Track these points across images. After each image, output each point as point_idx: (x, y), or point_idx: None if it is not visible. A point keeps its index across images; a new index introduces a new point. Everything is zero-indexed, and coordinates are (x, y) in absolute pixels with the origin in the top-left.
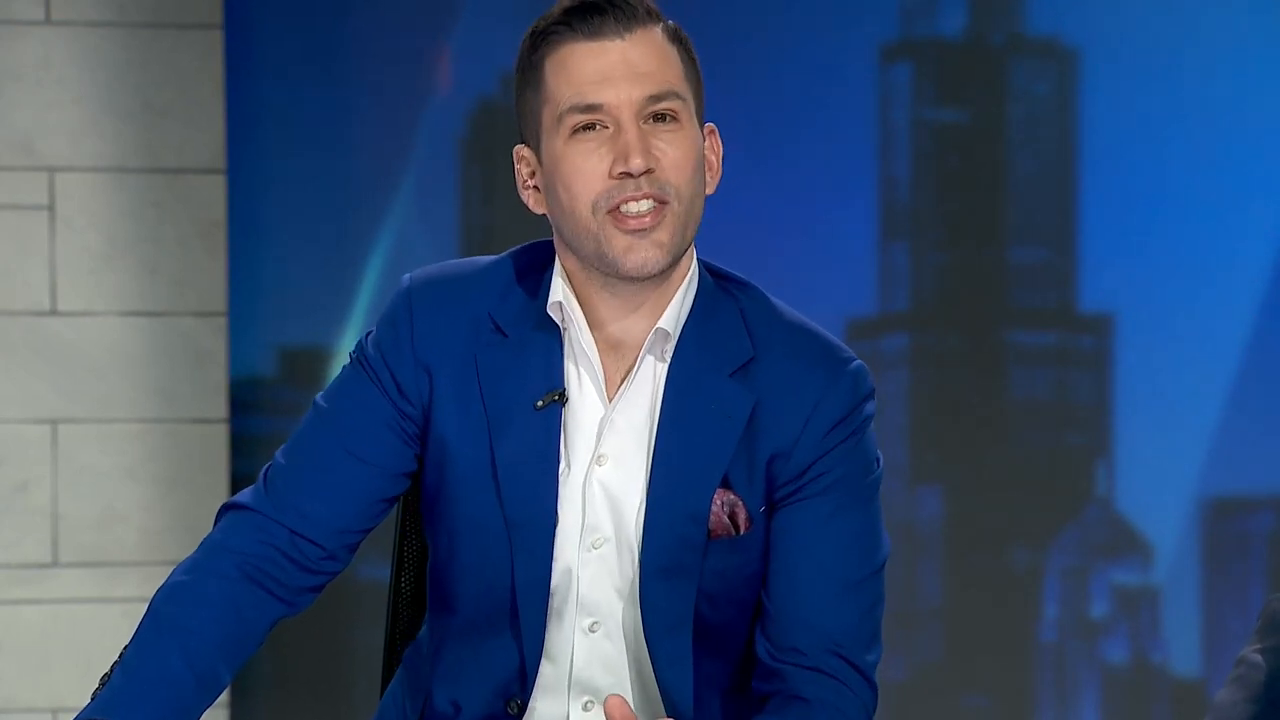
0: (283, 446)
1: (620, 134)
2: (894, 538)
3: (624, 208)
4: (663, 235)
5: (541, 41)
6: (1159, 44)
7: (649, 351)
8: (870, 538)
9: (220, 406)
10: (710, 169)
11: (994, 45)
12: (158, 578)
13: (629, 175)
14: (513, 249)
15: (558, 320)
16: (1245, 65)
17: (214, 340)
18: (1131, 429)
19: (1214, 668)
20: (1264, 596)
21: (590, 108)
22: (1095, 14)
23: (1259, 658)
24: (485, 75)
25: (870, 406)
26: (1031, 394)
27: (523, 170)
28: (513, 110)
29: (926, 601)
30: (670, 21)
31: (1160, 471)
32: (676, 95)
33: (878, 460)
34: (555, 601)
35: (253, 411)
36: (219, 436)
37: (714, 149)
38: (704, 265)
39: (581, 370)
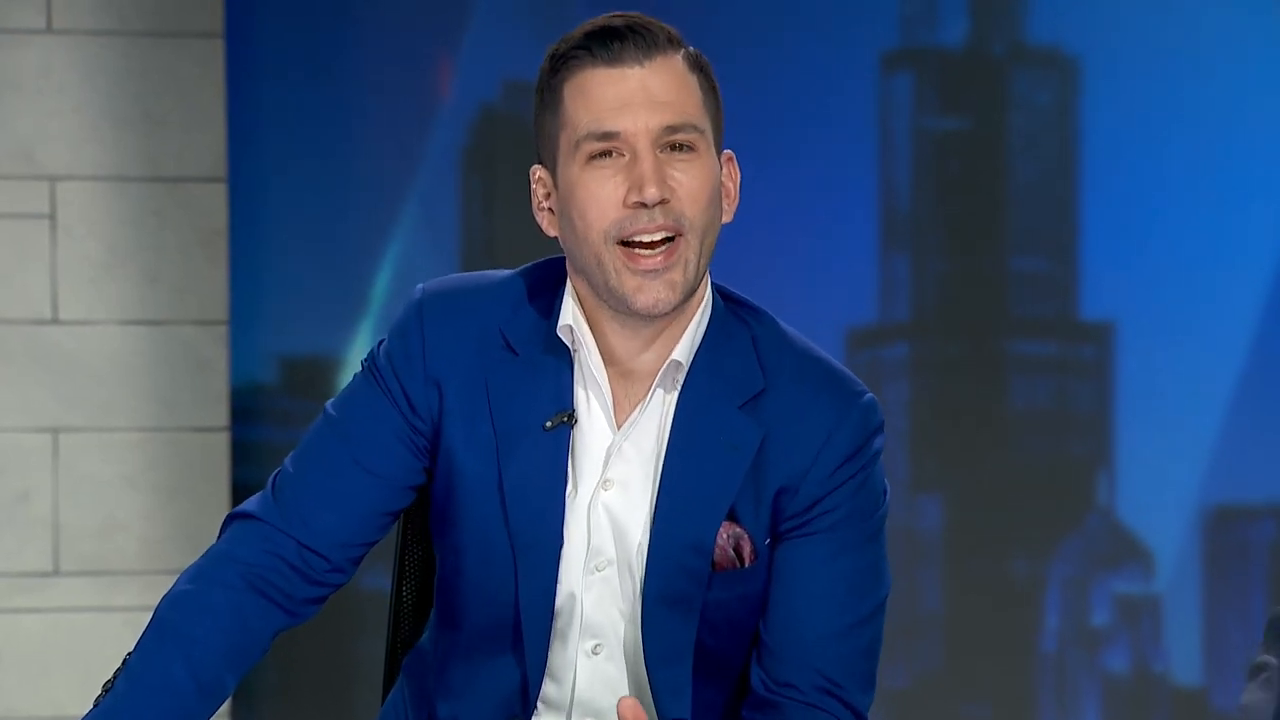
0: (291, 454)
1: (636, 163)
2: (894, 545)
3: (637, 239)
4: (675, 275)
5: (561, 65)
6: (1160, 53)
7: (660, 383)
8: (872, 575)
9: (221, 415)
10: (728, 196)
11: (995, 54)
12: (158, 586)
13: (643, 205)
14: (525, 266)
15: (568, 343)
16: (1246, 75)
17: (215, 349)
18: (1132, 438)
19: (1215, 676)
20: (1265, 605)
21: (607, 135)
22: (1096, 23)
23: (1278, 660)
24: (487, 83)
25: (880, 441)
26: (1032, 403)
27: (538, 191)
28: (514, 119)
29: (927, 609)
30: (692, 48)
31: (1161, 480)
32: (694, 127)
33: (884, 493)
34: (559, 623)
35: (254, 420)
36: (220, 445)
37: (732, 176)
38: (717, 290)
39: (591, 394)
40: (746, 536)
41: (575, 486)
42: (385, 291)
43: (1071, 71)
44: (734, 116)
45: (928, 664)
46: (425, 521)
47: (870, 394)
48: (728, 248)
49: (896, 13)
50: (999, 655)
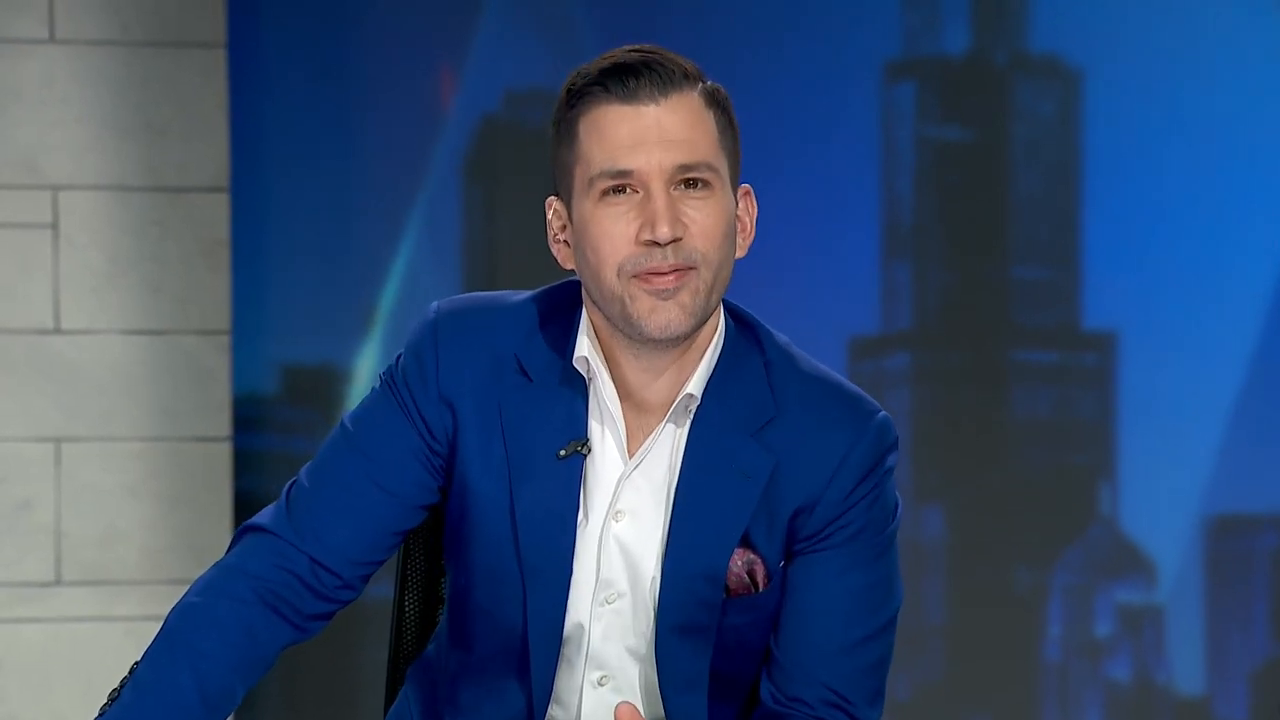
0: (307, 466)
1: (649, 201)
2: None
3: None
4: (685, 297)
5: (577, 100)
6: (1162, 63)
7: (672, 416)
8: (883, 590)
9: (223, 424)
10: (743, 230)
11: (997, 64)
12: (160, 596)
13: (655, 244)
14: (540, 289)
15: (583, 373)
16: (1248, 84)
17: (217, 358)
18: (1135, 447)
19: (1218, 686)
20: (1267, 614)
21: (621, 173)
22: (1099, 33)
23: None
24: (489, 92)
25: (893, 458)
26: (1034, 412)
27: (554, 223)
28: (515, 127)
29: (930, 620)
30: (709, 82)
31: (1164, 489)
32: (708, 165)
33: (896, 508)
34: (567, 650)
35: (256, 429)
36: (222, 455)
37: (748, 210)
38: (729, 312)
39: (604, 425)
40: (760, 561)
41: (586, 516)
42: (387, 301)
43: (1074, 81)
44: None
45: (930, 673)
46: (429, 533)
47: (883, 412)
48: None
49: (899, 22)
50: (1001, 665)
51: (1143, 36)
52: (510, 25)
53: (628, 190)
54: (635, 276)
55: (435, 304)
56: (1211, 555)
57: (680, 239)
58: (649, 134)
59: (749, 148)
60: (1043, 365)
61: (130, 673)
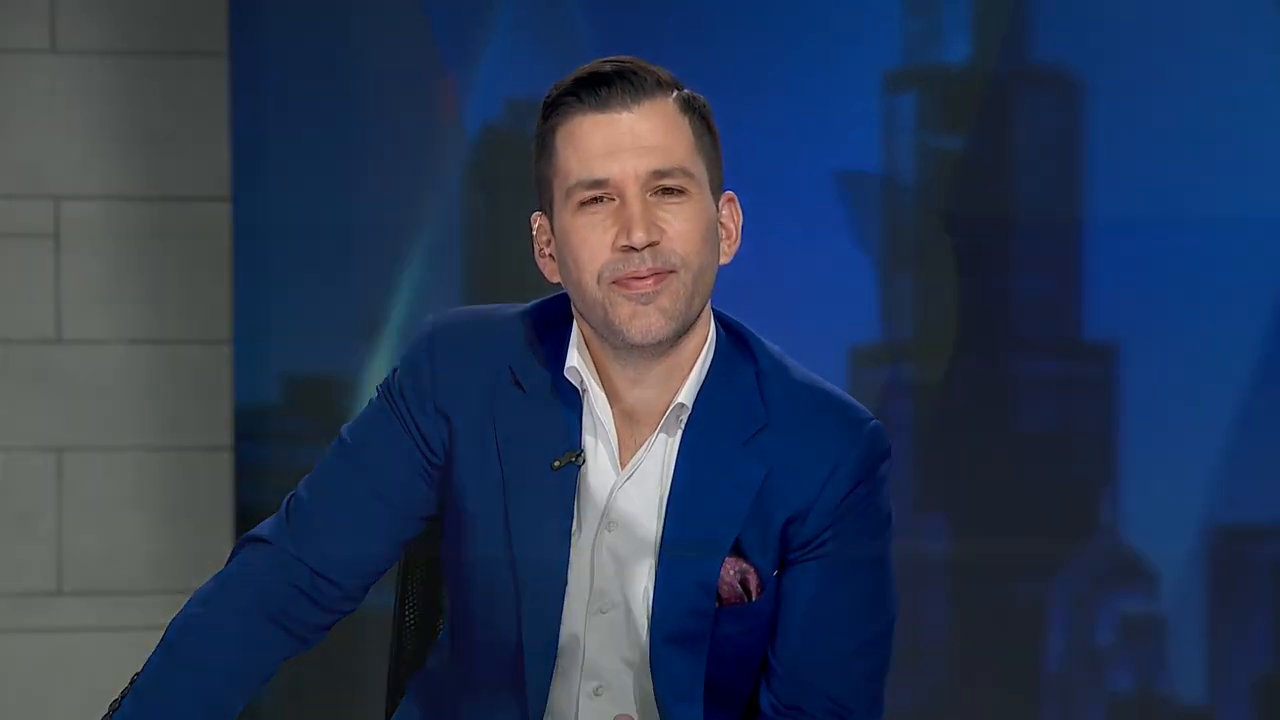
0: (306, 478)
1: (625, 207)
2: (898, 566)
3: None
4: (665, 301)
5: (553, 112)
6: (1164, 73)
7: (664, 427)
8: (878, 598)
9: (225, 434)
10: (728, 237)
11: (998, 73)
12: (162, 606)
13: (632, 249)
14: (534, 303)
15: (575, 384)
16: (1251, 95)
17: (219, 368)
18: (1136, 458)
19: (1220, 696)
20: (1269, 624)
21: (596, 182)
22: (1100, 43)
23: None
24: (490, 100)
25: (886, 467)
26: (1036, 423)
27: (539, 238)
28: (516, 134)
29: (931, 631)
30: (686, 90)
31: (1166, 500)
32: (684, 171)
33: (890, 517)
34: (562, 662)
35: (258, 439)
36: (224, 464)
37: (732, 217)
38: (721, 324)
39: (596, 436)
40: (753, 570)
41: (579, 526)
42: (392, 310)
43: (1075, 91)
44: (737, 135)
45: (932, 684)
46: (428, 544)
47: (876, 421)
48: (731, 266)
49: (899, 32)
50: (1003, 675)
51: (1144, 47)
52: (513, 35)
53: (604, 199)
54: (615, 282)
55: (430, 317)
56: (1213, 565)
57: (657, 243)
58: (623, 141)
59: (750, 157)
60: (1044, 376)
61: (131, 683)
